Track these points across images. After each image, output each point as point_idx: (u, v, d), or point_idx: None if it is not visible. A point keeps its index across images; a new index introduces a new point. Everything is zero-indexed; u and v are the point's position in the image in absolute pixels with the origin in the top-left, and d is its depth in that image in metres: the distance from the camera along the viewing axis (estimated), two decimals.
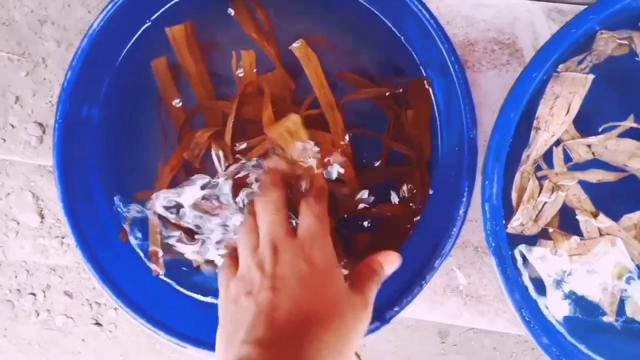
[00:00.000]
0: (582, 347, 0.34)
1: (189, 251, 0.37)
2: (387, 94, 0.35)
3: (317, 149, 0.34)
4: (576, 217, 0.34)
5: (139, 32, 0.36)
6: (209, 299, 0.37)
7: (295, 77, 0.36)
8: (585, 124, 0.34)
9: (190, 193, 0.35)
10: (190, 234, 0.36)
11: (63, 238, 0.44)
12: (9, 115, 0.42)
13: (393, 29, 0.35)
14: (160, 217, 0.36)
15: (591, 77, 0.33)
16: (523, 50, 0.37)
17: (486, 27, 0.37)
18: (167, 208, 0.36)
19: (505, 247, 0.33)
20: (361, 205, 0.35)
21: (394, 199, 0.36)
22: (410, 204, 0.35)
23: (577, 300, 0.34)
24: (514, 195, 0.34)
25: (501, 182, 0.33)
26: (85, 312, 0.45)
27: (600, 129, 0.34)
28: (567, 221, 0.35)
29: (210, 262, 0.37)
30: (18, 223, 0.44)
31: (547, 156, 0.35)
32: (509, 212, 0.34)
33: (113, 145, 0.37)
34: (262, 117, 0.35)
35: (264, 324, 0.27)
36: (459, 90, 0.33)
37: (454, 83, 0.33)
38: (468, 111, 0.33)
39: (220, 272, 0.33)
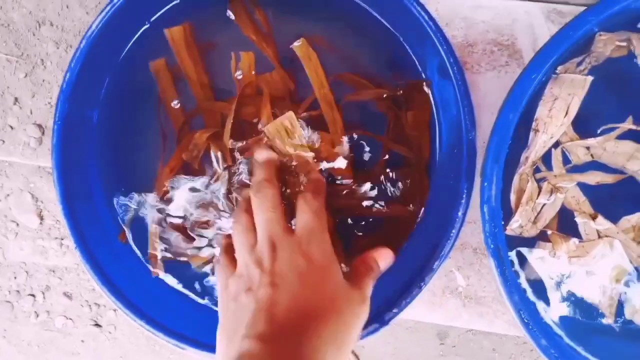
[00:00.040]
0: (580, 349, 0.34)
1: (187, 252, 0.37)
2: (386, 96, 0.35)
3: (317, 136, 0.34)
4: (575, 219, 0.34)
5: (138, 34, 0.36)
6: (207, 301, 0.37)
7: (294, 78, 0.36)
8: (584, 125, 0.34)
9: (179, 195, 0.35)
10: (188, 235, 0.36)
11: (62, 239, 0.44)
12: (8, 116, 0.42)
13: (392, 30, 0.35)
14: (158, 218, 0.36)
15: (590, 78, 0.33)
16: (522, 52, 0.37)
17: (485, 28, 0.37)
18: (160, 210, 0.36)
19: (504, 248, 0.33)
20: (366, 203, 0.35)
21: (390, 189, 0.36)
22: (410, 205, 0.35)
23: (577, 302, 0.34)
24: (512, 197, 0.34)
25: (500, 183, 0.33)
26: (85, 313, 0.45)
27: (599, 131, 0.34)
28: (565, 223, 0.35)
29: (208, 263, 0.37)
30: (17, 224, 0.44)
31: (546, 158, 0.35)
32: (507, 213, 0.34)
33: (112, 147, 0.37)
34: (261, 117, 0.35)
35: (264, 320, 0.27)
36: (458, 92, 0.33)
37: (452, 84, 0.33)
38: (467, 113, 0.33)
39: (217, 271, 0.33)
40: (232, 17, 0.36)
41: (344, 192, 0.35)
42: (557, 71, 0.33)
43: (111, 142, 0.37)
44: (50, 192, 0.43)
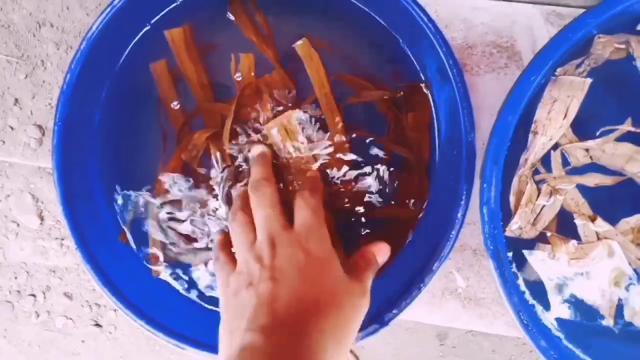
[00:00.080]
0: (579, 352, 0.34)
1: (187, 253, 0.37)
2: (386, 97, 0.35)
3: (321, 134, 0.34)
4: (574, 221, 0.34)
5: (138, 35, 0.36)
6: (207, 301, 0.37)
7: (294, 80, 0.36)
8: (583, 127, 0.34)
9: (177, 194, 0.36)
10: (187, 236, 0.37)
11: (63, 240, 0.44)
12: (8, 117, 0.42)
13: (392, 32, 0.35)
14: (158, 218, 0.36)
15: (589, 81, 0.33)
16: (521, 54, 0.37)
17: (484, 30, 0.37)
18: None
19: (504, 250, 0.34)
20: (367, 198, 0.35)
21: (390, 190, 0.36)
22: (410, 206, 0.36)
23: (577, 305, 0.34)
24: (512, 199, 0.34)
25: (499, 185, 0.33)
26: (85, 314, 0.45)
27: (597, 133, 0.34)
28: (564, 225, 0.35)
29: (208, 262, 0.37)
30: (18, 225, 0.44)
31: (545, 160, 0.35)
32: (507, 215, 0.34)
33: (112, 147, 0.37)
34: (261, 118, 0.35)
35: (265, 313, 0.28)
36: (457, 94, 0.33)
37: (452, 86, 0.33)
38: (466, 115, 0.33)
39: (217, 269, 0.33)
40: (232, 18, 0.36)
41: (342, 191, 0.35)
42: (556, 73, 0.34)
43: (111, 142, 0.37)
44: (51, 193, 0.43)
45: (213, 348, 0.35)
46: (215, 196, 0.36)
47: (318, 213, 0.31)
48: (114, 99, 0.37)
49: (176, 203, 0.36)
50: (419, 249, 0.35)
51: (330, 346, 0.27)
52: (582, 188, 0.35)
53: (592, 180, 0.34)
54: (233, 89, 0.36)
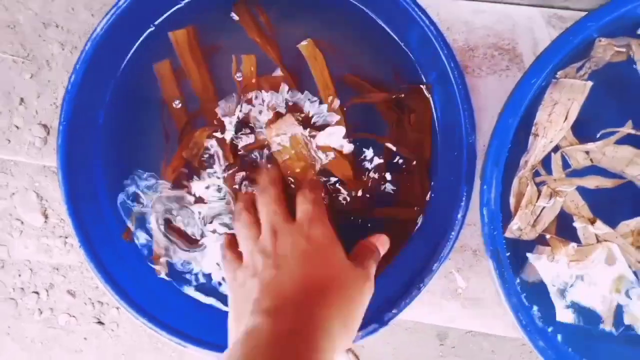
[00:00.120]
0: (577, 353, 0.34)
1: (189, 254, 0.37)
2: (391, 99, 0.35)
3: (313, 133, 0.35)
4: (573, 224, 0.35)
5: (142, 36, 0.37)
6: (210, 300, 0.38)
7: (297, 81, 0.36)
8: (584, 130, 0.34)
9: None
10: (189, 238, 0.37)
11: (66, 238, 0.45)
12: (13, 116, 0.42)
13: (393, 34, 0.36)
14: (162, 218, 0.37)
15: (590, 84, 0.33)
16: (523, 56, 0.37)
17: (486, 32, 0.38)
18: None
19: (503, 251, 0.34)
20: (372, 174, 0.36)
21: (391, 191, 0.36)
22: (412, 207, 0.36)
23: (579, 309, 0.34)
24: (512, 200, 0.35)
25: (499, 187, 0.34)
26: (88, 311, 0.46)
27: (598, 135, 0.34)
28: (564, 227, 0.35)
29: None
30: (22, 223, 0.45)
31: (546, 162, 0.35)
32: (507, 216, 0.35)
33: (117, 147, 0.37)
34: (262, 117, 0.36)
35: (269, 296, 0.28)
36: (459, 96, 0.33)
37: (453, 89, 0.33)
38: (467, 116, 0.33)
39: (224, 266, 0.34)
40: (236, 18, 0.37)
41: (344, 196, 0.36)
42: (557, 76, 0.34)
43: (115, 142, 0.37)
44: (55, 191, 0.44)
45: (215, 346, 0.35)
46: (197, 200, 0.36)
47: (319, 205, 0.33)
48: (118, 99, 0.37)
49: (179, 202, 0.37)
50: (419, 249, 0.35)
51: (336, 328, 0.28)
52: (582, 190, 0.35)
53: (592, 182, 0.35)
54: (235, 90, 0.37)
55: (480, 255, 0.39)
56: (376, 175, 0.36)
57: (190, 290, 0.38)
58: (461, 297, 0.39)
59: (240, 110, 0.35)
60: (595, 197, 0.35)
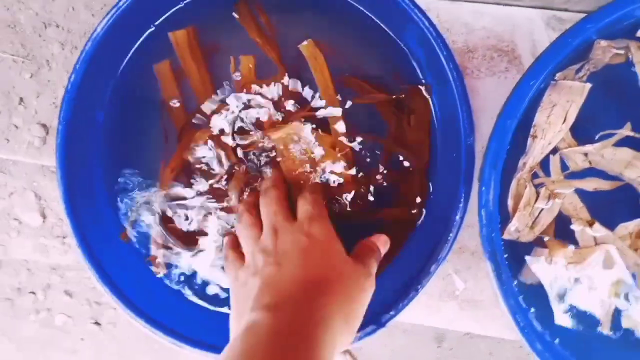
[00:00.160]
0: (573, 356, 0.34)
1: (187, 256, 0.37)
2: (391, 100, 0.35)
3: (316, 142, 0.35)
4: (571, 226, 0.34)
5: (143, 37, 0.37)
6: (205, 300, 0.38)
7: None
8: (582, 132, 0.34)
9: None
10: (186, 239, 0.37)
11: (64, 238, 0.45)
12: (13, 116, 0.42)
13: (393, 36, 0.36)
14: (160, 218, 0.37)
15: (588, 85, 0.33)
16: (522, 58, 0.37)
17: (486, 34, 0.38)
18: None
19: (501, 253, 0.34)
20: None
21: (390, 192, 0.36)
22: (411, 209, 0.36)
23: (578, 314, 0.34)
24: (510, 202, 0.34)
25: (498, 188, 0.34)
26: (85, 312, 0.46)
27: (596, 137, 0.34)
28: (562, 229, 0.35)
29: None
30: (20, 222, 0.45)
31: (544, 164, 0.35)
32: (505, 218, 0.34)
33: (116, 147, 0.37)
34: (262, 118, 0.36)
35: (270, 292, 0.28)
36: (457, 97, 0.33)
37: (452, 90, 0.33)
38: (466, 118, 0.33)
39: (227, 267, 0.34)
40: (237, 17, 0.37)
41: (343, 200, 0.36)
42: (556, 78, 0.34)
43: (115, 142, 0.37)
44: (54, 191, 0.44)
45: (211, 347, 0.35)
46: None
47: (319, 205, 0.33)
48: (118, 99, 0.37)
49: (177, 202, 0.37)
50: (417, 251, 0.35)
51: (337, 323, 0.27)
52: (580, 192, 0.35)
53: (591, 184, 0.35)
54: (234, 91, 0.37)
55: (478, 257, 0.39)
56: (375, 176, 0.36)
57: (186, 291, 0.37)
58: (459, 299, 0.39)
59: (237, 107, 0.36)
60: (594, 199, 0.34)
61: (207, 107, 0.36)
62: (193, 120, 0.37)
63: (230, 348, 0.26)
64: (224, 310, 0.37)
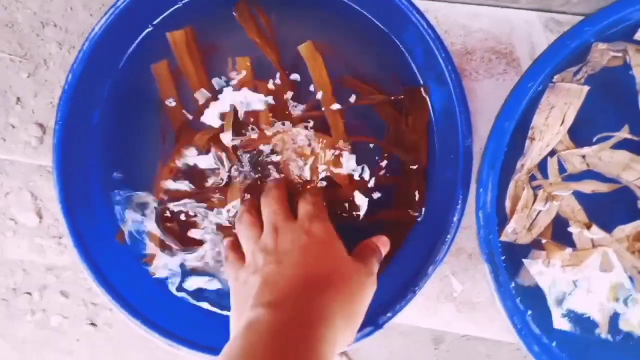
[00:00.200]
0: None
1: (183, 253, 0.37)
2: (390, 101, 0.35)
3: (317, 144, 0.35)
4: (569, 228, 0.34)
5: (140, 36, 0.37)
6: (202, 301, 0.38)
7: (295, 83, 0.36)
8: (580, 134, 0.34)
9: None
10: (183, 239, 0.37)
11: (60, 238, 0.44)
12: (9, 115, 0.42)
13: (392, 37, 0.36)
14: (156, 219, 0.37)
15: (586, 88, 0.33)
16: (520, 60, 0.37)
17: (484, 36, 0.38)
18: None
19: (498, 254, 0.34)
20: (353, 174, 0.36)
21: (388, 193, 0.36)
22: (409, 210, 0.36)
23: (576, 318, 0.34)
24: (507, 204, 0.34)
25: (495, 190, 0.34)
26: (81, 312, 0.45)
27: (594, 140, 0.34)
28: (560, 232, 0.35)
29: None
30: (16, 222, 0.44)
31: (542, 166, 0.35)
32: (502, 220, 0.34)
33: (113, 147, 0.37)
34: (259, 120, 0.36)
35: (270, 290, 0.28)
36: (455, 99, 0.33)
37: (450, 91, 0.33)
38: (464, 119, 0.33)
39: (227, 267, 0.34)
40: (236, 15, 0.36)
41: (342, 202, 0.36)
42: (553, 80, 0.34)
43: (112, 142, 0.37)
44: (50, 191, 0.44)
45: (208, 349, 0.35)
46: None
47: (319, 205, 0.33)
48: (115, 99, 0.37)
49: (175, 203, 0.37)
50: (415, 252, 0.35)
51: (337, 321, 0.27)
52: (578, 195, 0.35)
53: (588, 187, 0.35)
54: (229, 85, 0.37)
55: (476, 258, 0.39)
56: (373, 178, 0.36)
57: (183, 292, 0.37)
58: (456, 300, 0.39)
59: (232, 98, 0.35)
60: (591, 202, 0.34)
61: (200, 95, 0.36)
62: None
63: (230, 345, 0.26)
64: (223, 312, 0.37)
